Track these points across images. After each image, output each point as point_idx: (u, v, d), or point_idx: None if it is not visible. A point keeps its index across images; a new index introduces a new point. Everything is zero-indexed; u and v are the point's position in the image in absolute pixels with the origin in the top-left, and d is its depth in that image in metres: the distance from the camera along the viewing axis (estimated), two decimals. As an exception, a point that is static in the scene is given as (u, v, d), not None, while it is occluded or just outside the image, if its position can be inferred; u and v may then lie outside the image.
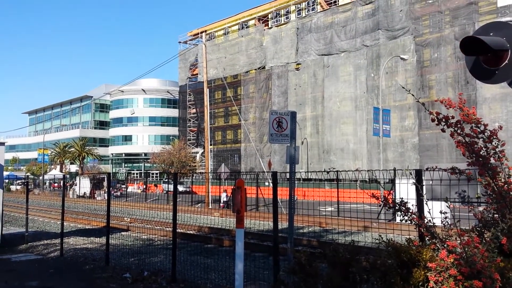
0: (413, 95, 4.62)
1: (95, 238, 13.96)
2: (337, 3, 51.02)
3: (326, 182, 32.48)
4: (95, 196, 42.24)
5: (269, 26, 58.06)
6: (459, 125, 4.03)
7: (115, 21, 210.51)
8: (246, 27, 61.15)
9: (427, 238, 4.58)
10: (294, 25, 52.86)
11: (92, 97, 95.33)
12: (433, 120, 4.12)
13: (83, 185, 40.33)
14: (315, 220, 17.07)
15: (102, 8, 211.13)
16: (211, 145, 50.75)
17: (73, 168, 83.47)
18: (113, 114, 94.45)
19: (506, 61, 4.48)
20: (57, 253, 11.89)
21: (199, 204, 31.47)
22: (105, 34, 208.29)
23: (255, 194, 28.16)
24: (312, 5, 54.21)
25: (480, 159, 4.09)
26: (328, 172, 9.65)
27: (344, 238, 13.66)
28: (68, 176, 67.09)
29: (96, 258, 10.87)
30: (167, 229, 15.29)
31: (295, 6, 55.66)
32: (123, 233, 16.07)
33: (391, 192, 13.76)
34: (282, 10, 57.59)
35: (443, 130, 4.10)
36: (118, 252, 11.42)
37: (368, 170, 9.65)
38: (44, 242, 13.91)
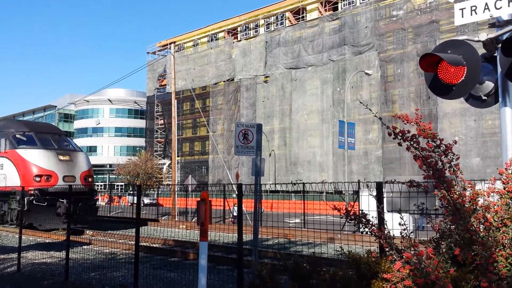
0: (370, 110, 4.75)
1: (55, 252, 13.50)
2: (305, 18, 51.95)
3: (293, 194, 32.67)
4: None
5: (238, 39, 58.44)
6: (414, 139, 4.15)
7: (81, 30, 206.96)
8: (216, 39, 61.32)
9: (386, 249, 4.65)
10: (263, 38, 53.43)
11: (56, 106, 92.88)
12: (389, 134, 4.24)
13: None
14: (280, 232, 17.09)
15: (68, 17, 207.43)
16: (178, 156, 50.26)
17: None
18: (78, 124, 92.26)
19: (463, 78, 4.68)
20: (14, 268, 11.43)
21: (165, 217, 30.99)
22: (70, 42, 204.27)
23: (222, 206, 27.94)
24: (281, 20, 55.01)
25: (436, 172, 4.21)
26: (294, 184, 9.72)
27: (308, 249, 13.73)
28: (28, 187, 64.68)
29: (55, 273, 10.51)
30: (131, 242, 14.95)
31: (264, 20, 56.32)
32: (84, 246, 15.62)
33: (355, 203, 13.97)
34: (251, 24, 58.12)
35: (399, 144, 4.22)
36: (79, 266, 11.08)
37: (331, 182, 9.80)
38: (0, 257, 13.34)
